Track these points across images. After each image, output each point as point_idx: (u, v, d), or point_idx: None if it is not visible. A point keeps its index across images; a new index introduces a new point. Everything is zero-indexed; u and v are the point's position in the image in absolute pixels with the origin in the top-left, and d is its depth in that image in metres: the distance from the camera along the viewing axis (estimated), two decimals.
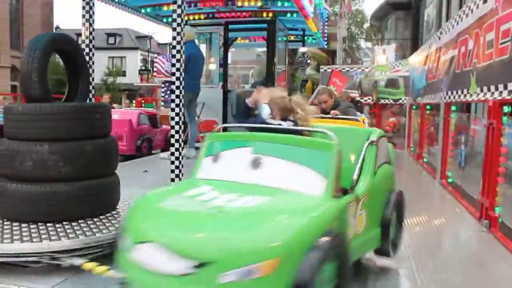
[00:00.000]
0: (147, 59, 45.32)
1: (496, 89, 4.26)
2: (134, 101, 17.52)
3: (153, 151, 10.32)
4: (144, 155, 9.51)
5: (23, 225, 3.37)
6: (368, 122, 7.00)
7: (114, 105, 13.09)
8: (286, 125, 3.13)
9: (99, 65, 38.26)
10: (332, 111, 5.65)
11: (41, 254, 3.02)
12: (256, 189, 2.63)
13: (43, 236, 3.14)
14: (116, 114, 10.94)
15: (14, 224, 3.40)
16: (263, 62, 9.01)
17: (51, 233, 3.20)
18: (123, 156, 8.73)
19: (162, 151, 9.36)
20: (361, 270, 3.29)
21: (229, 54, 14.35)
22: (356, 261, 3.37)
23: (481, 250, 4.09)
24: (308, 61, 22.27)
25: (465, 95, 5.40)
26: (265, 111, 3.26)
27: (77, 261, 3.06)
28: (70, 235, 3.16)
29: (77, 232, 3.23)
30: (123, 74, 43.16)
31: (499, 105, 4.36)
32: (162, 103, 16.31)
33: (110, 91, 34.28)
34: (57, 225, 3.35)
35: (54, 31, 34.77)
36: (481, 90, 4.73)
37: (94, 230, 3.27)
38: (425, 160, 8.67)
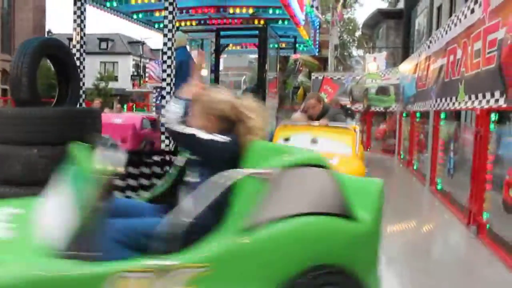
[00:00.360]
0: (139, 65, 45.28)
1: (484, 97, 4.32)
2: (125, 106, 17.51)
3: None
4: None
5: None
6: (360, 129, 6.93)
7: (105, 110, 13.04)
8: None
9: (91, 69, 38.25)
10: (321, 121, 5.53)
11: None
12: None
13: None
14: (120, 118, 11.27)
15: None
16: (255, 69, 9.06)
17: None
18: None
19: None
20: None
21: (221, 60, 14.40)
22: None
23: (469, 255, 4.13)
24: (300, 68, 22.37)
25: (453, 103, 5.46)
26: (173, 112, 2.32)
27: None
28: None
29: None
30: (115, 79, 43.05)
31: (486, 113, 4.42)
32: (154, 109, 16.33)
33: (101, 96, 34.18)
34: None
35: (46, 35, 34.63)
36: (469, 98, 4.80)
37: None
38: (414, 167, 8.73)
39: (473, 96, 4.67)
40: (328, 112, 5.73)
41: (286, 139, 5.17)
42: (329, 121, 5.49)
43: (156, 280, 1.78)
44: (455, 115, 8.61)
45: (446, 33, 6.06)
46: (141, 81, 37.50)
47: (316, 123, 5.48)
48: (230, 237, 1.88)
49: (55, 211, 2.09)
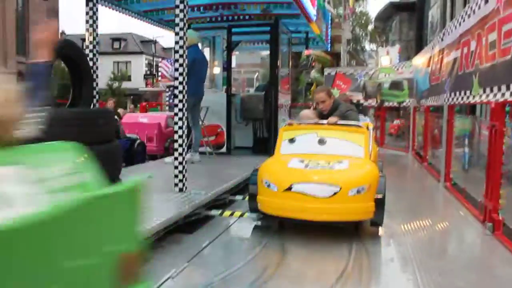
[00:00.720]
0: (152, 64, 45.53)
1: (499, 90, 4.24)
2: (138, 106, 17.61)
3: None
4: (171, 154, 9.67)
5: None
6: (373, 126, 6.60)
7: (119, 110, 13.16)
8: None
9: (104, 70, 38.53)
10: (330, 119, 4.97)
11: None
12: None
13: None
14: (146, 118, 12.22)
15: None
16: (267, 65, 9.03)
17: None
18: (150, 156, 10.09)
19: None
20: (362, 271, 3.30)
21: (234, 57, 14.41)
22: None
23: (485, 253, 4.07)
24: (313, 64, 22.28)
25: (468, 97, 5.38)
26: None
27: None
28: None
29: None
30: (128, 78, 43.34)
31: (501, 106, 4.35)
32: (167, 108, 16.41)
33: (115, 96, 34.45)
34: None
35: (59, 36, 34.97)
36: (484, 92, 4.72)
37: None
38: (429, 162, 8.64)
39: (487, 89, 4.60)
40: (338, 108, 5.20)
41: (291, 140, 4.85)
42: (340, 118, 4.96)
43: None
44: (470, 109, 8.50)
45: (460, 25, 5.96)
46: (154, 80, 37.72)
47: (325, 121, 5.01)
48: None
49: None
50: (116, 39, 47.19)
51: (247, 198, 4.58)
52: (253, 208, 4.34)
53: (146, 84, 42.03)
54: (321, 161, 4.30)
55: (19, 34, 31.99)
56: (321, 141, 4.74)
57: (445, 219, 5.28)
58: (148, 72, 44.75)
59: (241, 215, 4.55)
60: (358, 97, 12.89)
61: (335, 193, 3.85)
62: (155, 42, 46.43)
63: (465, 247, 4.13)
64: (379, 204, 3.96)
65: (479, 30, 4.96)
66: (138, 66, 46.00)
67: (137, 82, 43.14)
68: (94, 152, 3.58)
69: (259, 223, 4.44)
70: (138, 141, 9.61)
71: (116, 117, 10.53)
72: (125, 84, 40.13)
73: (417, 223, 4.75)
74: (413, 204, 5.87)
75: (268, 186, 4.10)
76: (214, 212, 4.66)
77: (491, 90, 4.48)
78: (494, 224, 4.32)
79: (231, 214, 4.63)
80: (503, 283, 3.27)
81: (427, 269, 3.38)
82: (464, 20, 5.75)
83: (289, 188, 3.95)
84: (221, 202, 5.15)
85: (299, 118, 5.45)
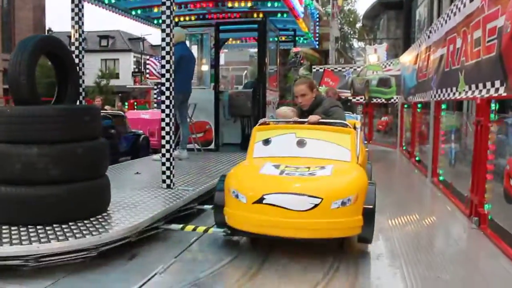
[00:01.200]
0: (140, 61, 45.27)
1: (484, 86, 4.29)
2: (126, 103, 17.49)
3: None
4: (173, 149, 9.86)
5: (12, 228, 3.36)
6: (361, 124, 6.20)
7: (106, 107, 13.09)
8: None
9: (92, 67, 38.26)
10: (311, 117, 4.31)
11: (29, 257, 3.01)
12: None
13: (32, 239, 3.13)
14: (147, 114, 12.71)
15: (4, 227, 3.39)
16: (256, 63, 9.03)
17: (40, 235, 3.19)
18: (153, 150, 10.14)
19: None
20: (350, 266, 3.32)
21: (223, 55, 14.38)
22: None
23: (471, 247, 4.13)
24: (301, 61, 22.29)
25: (454, 93, 5.44)
26: None
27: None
28: (60, 238, 3.16)
29: (67, 234, 3.23)
30: (116, 76, 43.05)
31: (486, 102, 4.40)
32: (155, 105, 16.32)
33: (103, 94, 34.18)
34: (47, 228, 3.34)
35: (46, 33, 34.61)
36: (470, 88, 4.77)
37: (84, 233, 3.26)
38: (417, 158, 8.72)
39: (473, 86, 4.65)
40: (322, 103, 4.58)
41: (266, 142, 4.19)
42: (323, 116, 4.37)
43: None
44: (457, 105, 8.58)
45: (446, 22, 6.02)
46: (143, 78, 37.51)
47: (306, 119, 4.36)
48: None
49: None
50: (104, 36, 46.84)
51: None
52: (220, 222, 3.72)
53: (134, 82, 41.77)
54: (299, 166, 3.71)
55: (5, 31, 31.62)
56: (300, 143, 4.09)
57: (432, 213, 5.34)
58: (136, 70, 44.50)
59: (205, 231, 3.86)
60: (347, 94, 12.96)
61: (315, 206, 3.24)
62: (143, 39, 46.20)
63: (451, 241, 4.18)
64: (368, 216, 3.38)
65: (465, 27, 5.02)
66: (126, 63, 45.70)
67: (125, 79, 42.88)
68: (80, 149, 3.58)
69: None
70: (142, 135, 10.40)
71: (122, 113, 11.14)
72: (113, 82, 39.83)
73: (405, 218, 4.79)
74: (401, 199, 5.92)
75: (236, 196, 3.47)
76: (175, 226, 3.97)
77: (477, 87, 4.53)
78: (480, 218, 4.38)
79: (194, 229, 3.89)
80: (489, 276, 3.32)
81: (414, 263, 3.41)
82: (450, 18, 5.81)
83: (261, 200, 3.32)
84: (187, 212, 4.50)
85: (276, 116, 4.89)
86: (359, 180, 3.58)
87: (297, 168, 3.67)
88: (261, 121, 4.62)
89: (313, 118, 4.25)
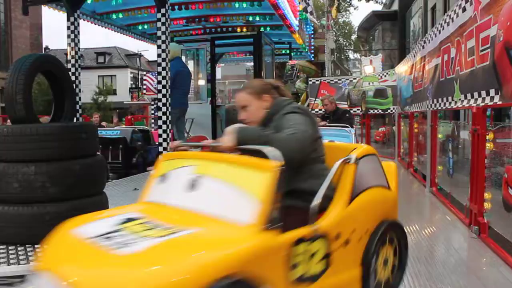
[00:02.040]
0: (137, 77, 45.42)
1: (479, 95, 4.31)
2: (123, 120, 17.51)
3: None
4: None
5: (10, 247, 3.35)
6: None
7: (103, 123, 13.14)
8: None
9: (90, 84, 38.34)
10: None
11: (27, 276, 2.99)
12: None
13: (30, 258, 3.11)
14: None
15: (1, 246, 3.38)
16: (252, 77, 9.08)
17: (39, 255, 3.17)
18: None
19: None
20: None
21: (219, 69, 14.42)
22: None
23: (471, 256, 4.10)
24: (298, 74, 22.40)
25: (450, 103, 5.46)
26: None
27: None
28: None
29: None
30: (114, 92, 43.17)
31: (482, 111, 4.42)
32: (153, 121, 16.34)
33: (101, 110, 34.24)
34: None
35: (43, 51, 34.77)
36: (465, 97, 4.79)
37: None
38: (415, 168, 8.71)
39: (468, 95, 4.67)
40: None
41: (163, 178, 2.47)
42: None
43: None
44: (453, 115, 8.62)
45: (440, 32, 6.06)
46: (140, 94, 37.61)
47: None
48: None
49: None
50: (101, 53, 47.08)
51: None
52: None
53: (132, 98, 41.83)
54: (163, 225, 2.09)
55: (2, 50, 31.75)
56: (193, 184, 2.34)
57: (432, 223, 5.32)
58: (134, 86, 44.60)
59: None
60: (344, 106, 12.99)
61: None
62: (140, 55, 46.39)
63: (452, 251, 4.15)
64: None
65: (458, 37, 5.05)
66: (123, 79, 45.88)
67: (122, 95, 42.97)
68: (78, 166, 3.57)
69: None
70: None
71: (147, 128, 11.62)
72: (111, 98, 39.94)
73: (404, 228, 4.76)
74: (400, 209, 5.85)
75: None
76: None
77: (472, 96, 4.55)
78: (479, 227, 4.36)
79: None
80: (490, 285, 3.30)
81: (414, 274, 3.39)
82: (443, 28, 5.85)
83: None
84: None
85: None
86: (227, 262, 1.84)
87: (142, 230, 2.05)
88: (173, 144, 2.81)
89: (226, 140, 2.40)
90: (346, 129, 6.96)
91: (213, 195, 2.25)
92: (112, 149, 9.35)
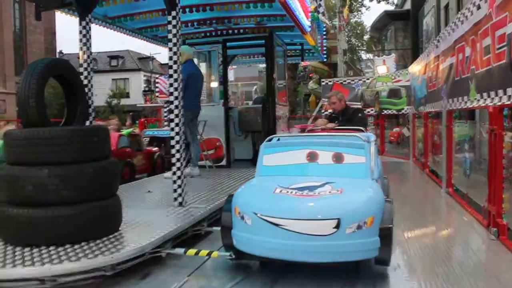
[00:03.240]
0: (150, 80, 45.70)
1: (496, 94, 4.23)
2: (137, 122, 17.60)
3: None
4: None
5: (25, 249, 3.36)
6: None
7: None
8: None
9: (103, 87, 38.65)
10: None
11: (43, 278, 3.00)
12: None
13: (44, 260, 3.12)
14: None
15: (17, 248, 3.39)
16: (265, 78, 9.04)
17: (53, 256, 3.18)
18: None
19: None
20: (367, 280, 3.24)
21: (232, 71, 14.41)
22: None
23: (490, 258, 4.02)
24: (310, 75, 22.28)
25: (465, 102, 5.37)
26: None
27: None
28: (71, 258, 3.14)
29: (79, 255, 3.21)
30: (127, 95, 43.48)
31: (499, 110, 4.33)
32: (166, 123, 16.39)
33: (114, 113, 34.45)
34: (59, 249, 3.34)
35: (57, 56, 35.16)
36: (481, 97, 4.71)
37: (96, 253, 3.24)
38: (430, 169, 8.60)
39: (485, 94, 4.58)
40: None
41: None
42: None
43: None
44: (469, 114, 8.49)
45: (454, 31, 5.98)
46: (153, 96, 37.83)
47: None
48: None
49: None
50: (114, 57, 47.46)
51: None
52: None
53: (145, 101, 42.13)
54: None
55: (17, 55, 32.16)
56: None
57: (449, 225, 5.24)
58: (147, 88, 44.91)
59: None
60: (357, 105, 12.88)
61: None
62: (152, 58, 46.69)
63: (470, 253, 4.07)
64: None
65: (473, 35, 4.97)
66: (136, 82, 46.18)
67: (135, 98, 43.29)
68: (90, 169, 3.57)
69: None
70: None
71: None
72: (124, 101, 40.22)
73: (421, 230, 4.70)
74: (416, 211, 5.82)
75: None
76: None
77: (488, 95, 4.46)
78: (498, 229, 4.27)
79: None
80: None
81: (432, 276, 3.33)
82: (457, 27, 5.77)
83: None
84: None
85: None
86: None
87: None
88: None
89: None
90: (360, 134, 4.73)
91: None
92: (164, 147, 11.43)
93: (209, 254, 3.61)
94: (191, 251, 3.67)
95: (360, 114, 6.49)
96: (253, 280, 3.36)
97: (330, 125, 6.15)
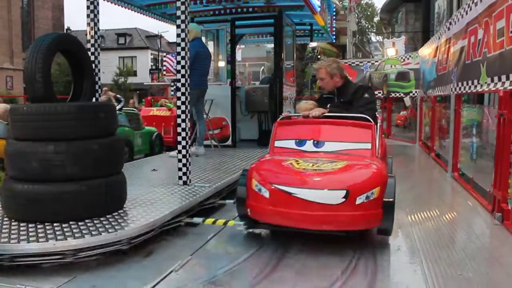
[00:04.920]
0: (157, 59, 45.52)
1: (507, 78, 4.16)
2: (143, 101, 17.56)
3: None
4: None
5: (30, 225, 3.38)
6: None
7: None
8: None
9: (110, 65, 38.58)
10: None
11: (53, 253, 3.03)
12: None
13: (49, 236, 3.14)
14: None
15: (22, 224, 3.41)
16: (273, 59, 8.96)
17: (57, 233, 3.20)
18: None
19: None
20: (368, 262, 3.25)
21: (239, 51, 14.31)
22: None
23: (494, 243, 4.01)
24: (319, 56, 22.11)
25: (475, 86, 5.30)
26: None
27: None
28: (76, 235, 3.16)
29: (83, 231, 3.23)
30: (134, 74, 43.40)
31: (510, 95, 4.26)
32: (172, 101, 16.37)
33: (121, 91, 34.45)
34: (63, 225, 3.35)
35: (65, 32, 35.02)
36: (492, 80, 4.64)
37: (100, 230, 3.26)
38: (436, 153, 8.56)
39: (496, 78, 4.51)
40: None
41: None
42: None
43: None
44: (477, 98, 8.40)
45: (467, 13, 5.87)
46: (160, 75, 37.74)
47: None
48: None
49: None
50: (121, 34, 47.25)
51: None
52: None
53: (152, 79, 42.06)
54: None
55: (24, 31, 32.11)
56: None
57: (453, 209, 5.22)
58: (154, 67, 44.80)
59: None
60: None
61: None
62: (160, 36, 46.41)
63: (473, 237, 4.06)
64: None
65: (487, 18, 4.87)
66: (143, 61, 46.05)
67: (142, 77, 43.20)
68: (96, 146, 3.58)
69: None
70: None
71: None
72: (131, 79, 40.18)
73: (425, 213, 4.69)
74: (421, 194, 5.81)
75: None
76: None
77: (499, 79, 4.39)
78: (503, 213, 4.26)
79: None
80: None
81: (434, 260, 3.32)
82: (471, 9, 5.66)
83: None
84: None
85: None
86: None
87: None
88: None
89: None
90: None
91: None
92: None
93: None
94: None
95: (366, 95, 4.42)
96: (260, 255, 3.39)
97: (316, 111, 4.31)
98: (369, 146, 4.04)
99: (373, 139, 4.06)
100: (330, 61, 4.67)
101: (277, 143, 4.28)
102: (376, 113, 4.55)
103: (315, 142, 4.14)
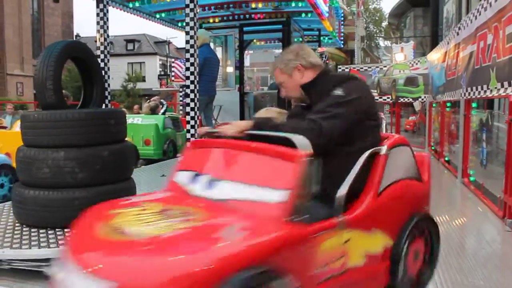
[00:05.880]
0: (166, 64, 45.73)
1: None
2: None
3: None
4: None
5: (41, 231, 3.41)
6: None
7: (135, 107, 13.51)
8: None
9: (119, 71, 38.82)
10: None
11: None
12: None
13: (60, 242, 3.16)
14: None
15: (33, 230, 3.44)
16: None
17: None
18: None
19: None
20: None
21: (248, 56, 14.36)
22: None
23: (505, 250, 3.97)
24: (327, 61, 22.10)
25: (485, 91, 5.27)
26: None
27: None
28: None
29: None
30: (143, 79, 43.64)
31: None
32: (181, 107, 16.45)
33: (130, 97, 34.68)
34: None
35: (74, 39, 35.35)
36: (502, 86, 4.61)
37: None
38: (446, 158, 8.51)
39: (505, 83, 4.49)
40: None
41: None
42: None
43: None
44: (487, 104, 8.35)
45: (476, 18, 5.85)
46: (168, 80, 37.91)
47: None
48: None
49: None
50: (130, 40, 47.55)
51: None
52: None
53: (161, 85, 42.26)
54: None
55: (35, 38, 32.46)
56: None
57: (464, 215, 5.18)
58: (162, 73, 45.02)
59: None
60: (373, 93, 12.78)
61: None
62: (168, 42, 46.64)
63: (484, 244, 4.02)
64: None
65: (496, 23, 4.85)
66: (152, 66, 46.29)
67: (151, 82, 43.42)
68: (106, 152, 3.60)
69: None
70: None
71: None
72: (140, 85, 40.39)
73: (435, 219, 4.66)
74: (430, 200, 5.77)
75: None
76: None
77: (509, 84, 4.37)
78: None
79: None
80: None
81: (445, 267, 3.30)
82: (480, 14, 5.64)
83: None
84: None
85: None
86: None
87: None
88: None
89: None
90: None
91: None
92: None
93: None
94: None
95: (337, 91, 2.43)
96: None
97: (233, 128, 2.48)
98: (280, 197, 2.04)
99: (294, 183, 2.05)
100: (285, 52, 2.81)
101: (178, 175, 2.56)
102: (373, 118, 2.58)
103: (211, 179, 2.35)
